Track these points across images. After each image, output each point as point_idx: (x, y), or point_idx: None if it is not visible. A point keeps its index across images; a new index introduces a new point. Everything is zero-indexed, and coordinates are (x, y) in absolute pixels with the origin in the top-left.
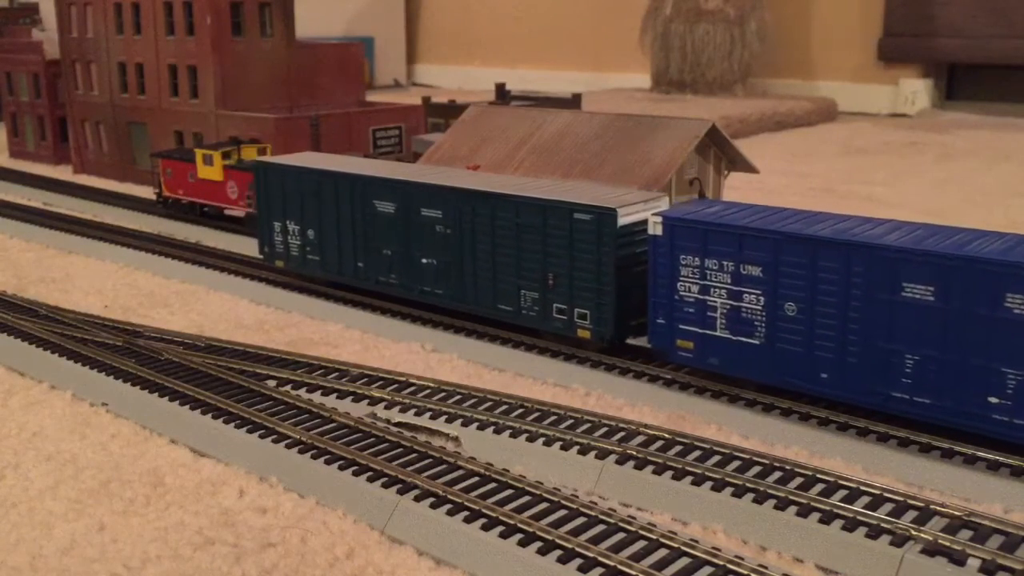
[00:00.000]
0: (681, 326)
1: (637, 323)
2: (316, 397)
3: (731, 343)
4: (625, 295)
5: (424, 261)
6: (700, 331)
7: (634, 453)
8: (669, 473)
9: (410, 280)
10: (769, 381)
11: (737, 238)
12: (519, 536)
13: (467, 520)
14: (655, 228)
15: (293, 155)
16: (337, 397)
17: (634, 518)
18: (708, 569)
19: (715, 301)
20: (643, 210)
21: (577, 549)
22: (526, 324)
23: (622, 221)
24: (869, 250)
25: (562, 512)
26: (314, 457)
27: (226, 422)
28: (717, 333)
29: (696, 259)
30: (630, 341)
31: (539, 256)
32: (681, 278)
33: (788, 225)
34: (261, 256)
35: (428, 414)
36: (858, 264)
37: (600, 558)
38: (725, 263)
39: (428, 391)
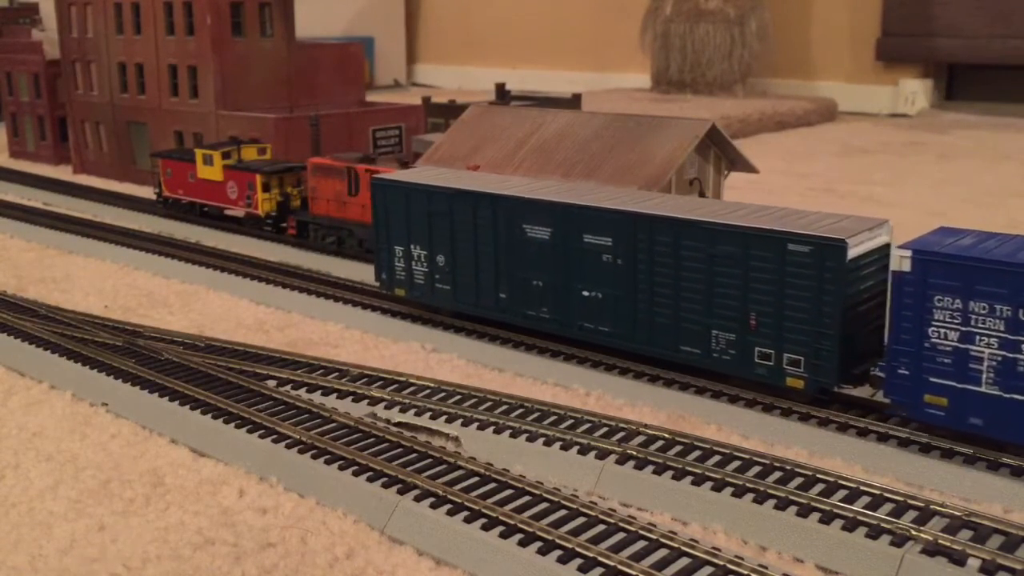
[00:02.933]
0: (932, 379)
1: (860, 371)
2: (316, 397)
3: (1002, 401)
4: (848, 339)
5: (586, 294)
6: (958, 386)
7: (634, 453)
8: (669, 473)
9: (567, 315)
10: None
11: (1019, 278)
12: (519, 536)
13: (467, 520)
14: (901, 263)
15: (415, 170)
16: (337, 397)
17: (634, 518)
18: (708, 569)
19: (981, 351)
20: (868, 239)
21: (577, 549)
22: (717, 369)
23: (852, 253)
24: None
25: (562, 512)
26: (314, 457)
27: (226, 422)
28: (982, 389)
29: (956, 301)
30: (849, 391)
31: (738, 292)
32: (934, 323)
33: None
34: (378, 284)
35: (428, 414)
36: None
37: (600, 558)
38: (999, 307)
39: (428, 391)
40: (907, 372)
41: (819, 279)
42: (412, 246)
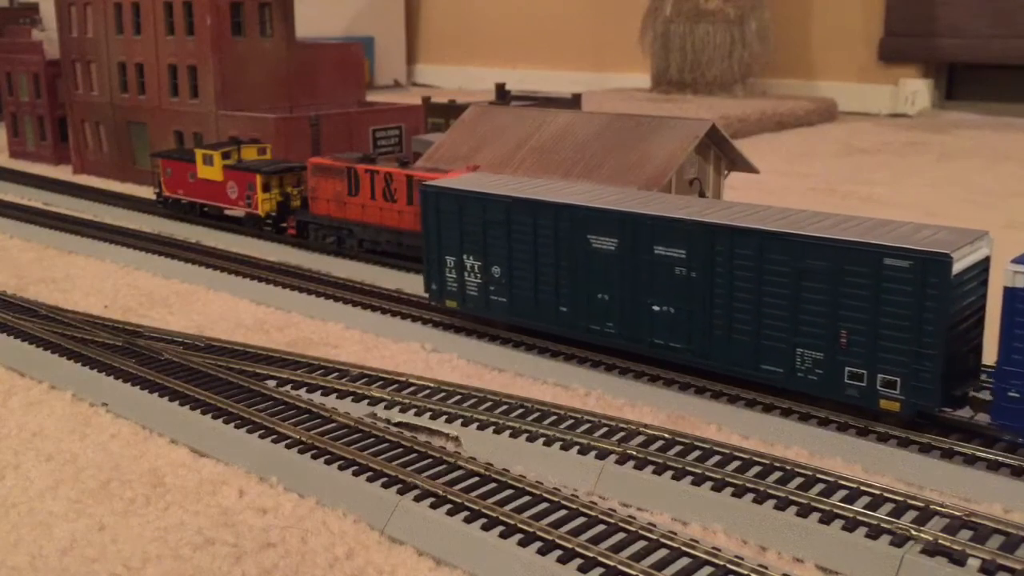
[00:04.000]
0: None
1: (961, 393)
2: (316, 397)
3: None
4: (950, 359)
5: (656, 309)
6: None
7: (634, 453)
8: (669, 473)
9: (635, 331)
10: None
11: None
12: (519, 536)
13: (467, 520)
14: (1014, 279)
15: (469, 177)
16: (337, 397)
17: (634, 518)
18: (708, 569)
19: None
20: (969, 252)
21: (577, 549)
22: (801, 389)
23: (956, 268)
24: None
25: (562, 512)
26: (314, 457)
27: (226, 422)
28: None
29: None
30: (949, 415)
31: (827, 308)
32: None
33: None
34: (427, 295)
35: (428, 414)
36: None
37: (600, 558)
38: None
39: (428, 391)
40: (1019, 395)
41: (920, 296)
42: (465, 256)
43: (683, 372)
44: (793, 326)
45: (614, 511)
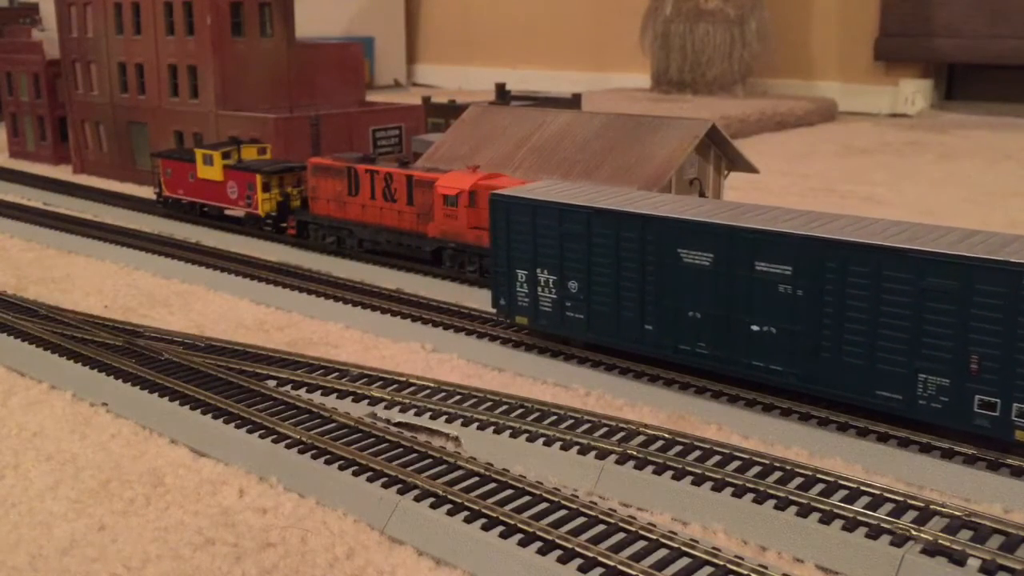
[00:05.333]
0: None
1: None
2: (316, 397)
3: None
4: None
5: (755, 329)
6: None
7: (634, 453)
8: (669, 473)
9: (731, 352)
10: None
11: None
12: (519, 536)
13: (467, 520)
14: None
15: (542, 186)
16: (337, 397)
17: (634, 518)
18: (708, 569)
19: None
20: None
21: (577, 549)
22: (923, 418)
23: None
24: None
25: (562, 512)
26: (314, 457)
27: (226, 422)
28: None
29: None
30: None
31: (955, 331)
32: None
33: None
34: (495, 310)
35: (428, 414)
36: None
37: (600, 558)
38: None
39: (428, 391)
40: None
41: None
42: (538, 270)
43: (696, 376)
44: (915, 350)
45: (614, 511)
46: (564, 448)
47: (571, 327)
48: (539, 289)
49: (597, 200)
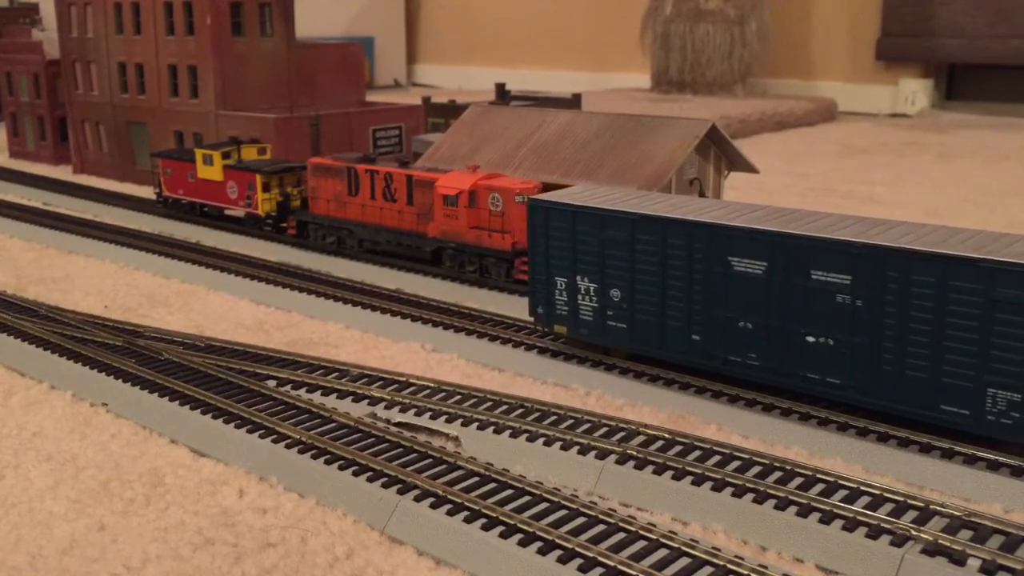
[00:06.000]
0: None
1: None
2: (316, 397)
3: None
4: None
5: (811, 340)
6: None
7: (634, 453)
8: (669, 473)
9: (784, 364)
10: None
11: None
12: (519, 536)
13: (467, 520)
14: None
15: (582, 191)
16: (337, 397)
17: (634, 518)
18: (708, 569)
19: None
20: None
21: (577, 549)
22: (992, 435)
23: None
24: None
25: (562, 512)
26: (314, 457)
27: (226, 422)
28: None
29: None
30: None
31: None
32: None
33: None
34: (532, 319)
35: (428, 414)
36: None
37: (600, 558)
38: None
39: (428, 391)
40: None
41: None
42: (578, 278)
43: (684, 373)
44: (983, 363)
45: (614, 511)
46: (564, 448)
47: (613, 337)
48: (579, 297)
49: (641, 206)
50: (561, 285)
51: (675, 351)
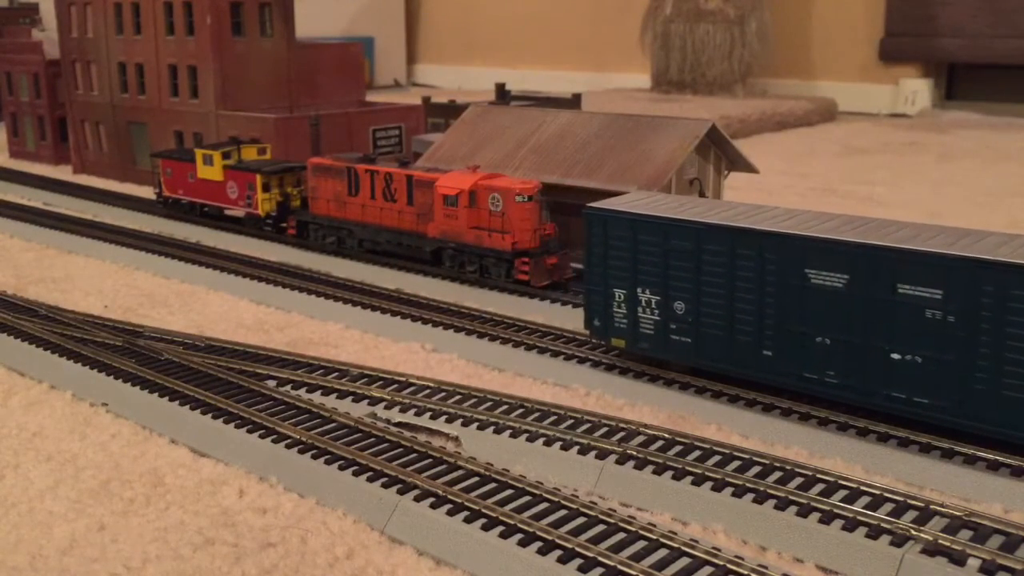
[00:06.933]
0: None
1: None
2: (316, 397)
3: None
4: None
5: (896, 357)
6: None
7: (634, 453)
8: (669, 473)
9: (866, 382)
10: None
11: None
12: (519, 536)
13: (467, 520)
14: None
15: (642, 198)
16: (337, 397)
17: (634, 518)
18: (708, 569)
19: None
20: None
21: (577, 549)
22: None
23: None
24: None
25: (562, 512)
26: (314, 457)
27: (226, 422)
28: None
29: None
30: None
31: None
32: None
33: None
34: (588, 331)
35: (428, 414)
36: None
37: (600, 558)
38: None
39: (428, 391)
40: None
41: None
42: (639, 289)
43: (683, 374)
44: None
45: (614, 511)
46: (564, 448)
47: (676, 351)
48: (640, 310)
49: (706, 214)
50: (620, 297)
51: (745, 367)
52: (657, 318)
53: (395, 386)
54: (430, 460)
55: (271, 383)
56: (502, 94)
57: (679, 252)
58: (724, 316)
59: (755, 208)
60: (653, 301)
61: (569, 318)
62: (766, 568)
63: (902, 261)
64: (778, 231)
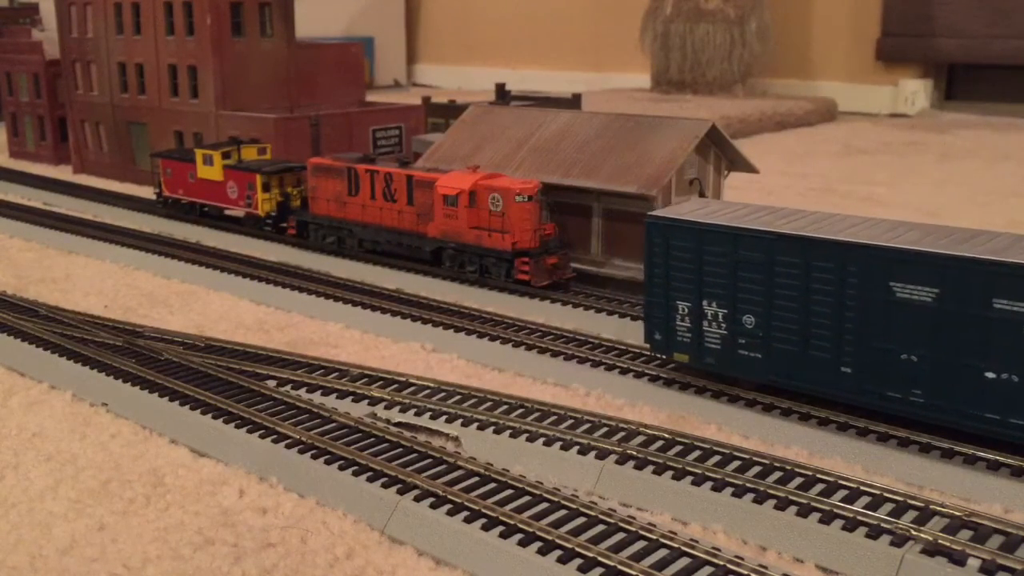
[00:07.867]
0: None
1: None
2: (316, 397)
3: None
4: None
5: (991, 376)
6: None
7: (634, 453)
8: (669, 473)
9: (956, 402)
10: None
11: None
12: (519, 536)
13: (467, 520)
14: None
15: (701, 204)
16: (337, 397)
17: (634, 518)
18: (708, 569)
19: None
20: None
21: (577, 549)
22: None
23: None
24: None
25: (562, 512)
26: (314, 457)
27: (226, 422)
28: None
29: None
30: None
31: None
32: None
33: None
34: (649, 345)
35: (428, 414)
36: None
37: (600, 558)
38: None
39: (428, 391)
40: None
41: None
42: (705, 302)
43: (683, 373)
44: None
45: (614, 511)
46: (564, 448)
47: (745, 367)
48: (705, 324)
49: (778, 223)
50: (683, 310)
51: (821, 384)
52: (724, 332)
53: (395, 386)
54: (430, 460)
55: (271, 383)
56: (502, 94)
57: (749, 263)
58: (798, 331)
59: (826, 215)
60: (720, 314)
61: (570, 318)
62: (766, 568)
63: (999, 274)
64: (859, 242)
